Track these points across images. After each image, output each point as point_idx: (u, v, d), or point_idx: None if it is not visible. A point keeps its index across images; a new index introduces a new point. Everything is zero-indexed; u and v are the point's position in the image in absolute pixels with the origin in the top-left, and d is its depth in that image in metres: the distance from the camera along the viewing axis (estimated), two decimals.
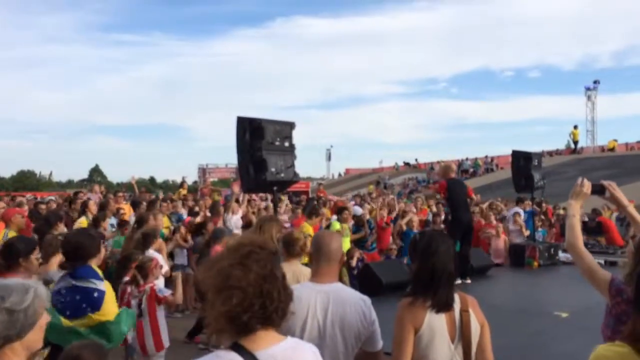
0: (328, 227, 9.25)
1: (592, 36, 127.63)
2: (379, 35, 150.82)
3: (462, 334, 2.65)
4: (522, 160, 11.36)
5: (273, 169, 6.32)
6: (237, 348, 1.64)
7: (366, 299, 2.94)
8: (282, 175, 6.46)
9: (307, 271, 4.38)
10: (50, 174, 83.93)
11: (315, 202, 10.76)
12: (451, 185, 8.68)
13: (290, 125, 6.72)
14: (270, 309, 1.65)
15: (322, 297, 2.82)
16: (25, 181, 73.00)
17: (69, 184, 67.99)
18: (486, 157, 43.62)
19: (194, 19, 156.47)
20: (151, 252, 5.62)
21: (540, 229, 12.61)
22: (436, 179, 10.05)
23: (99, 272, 3.42)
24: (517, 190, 11.88)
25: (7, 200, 10.67)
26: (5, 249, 3.46)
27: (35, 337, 1.86)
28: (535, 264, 10.59)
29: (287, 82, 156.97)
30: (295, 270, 4.29)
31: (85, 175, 77.08)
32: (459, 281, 8.02)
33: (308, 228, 8.24)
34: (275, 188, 6.64)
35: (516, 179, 11.50)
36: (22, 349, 1.81)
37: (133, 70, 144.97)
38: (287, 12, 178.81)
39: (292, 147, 6.69)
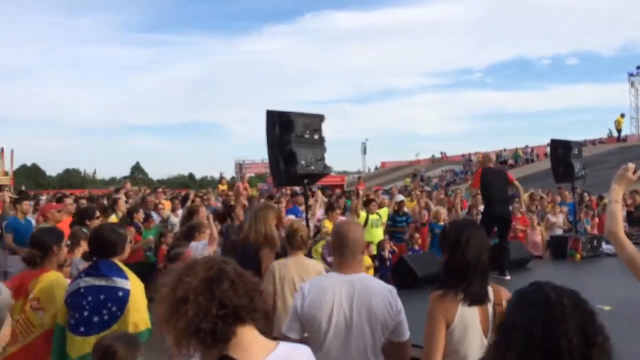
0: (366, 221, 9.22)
1: (634, 20, 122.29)
2: (411, 26, 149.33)
3: (495, 328, 2.53)
4: (560, 149, 10.99)
5: (303, 162, 6.30)
6: None
7: (392, 289, 2.90)
8: (313, 168, 6.43)
9: (313, 264, 4.34)
10: (94, 172, 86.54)
11: (334, 197, 10.72)
12: (486, 175, 8.28)
13: (320, 118, 6.68)
14: (231, 305, 1.55)
15: (347, 287, 2.80)
16: (70, 179, 75.45)
17: (112, 181, 69.79)
18: (526, 147, 42.61)
19: (226, 17, 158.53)
20: (194, 245, 5.66)
21: (584, 219, 12.22)
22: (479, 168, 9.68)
23: (124, 268, 3.36)
24: (557, 180, 11.52)
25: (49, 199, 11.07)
26: (36, 240, 3.54)
27: (6, 333, 1.93)
28: (578, 256, 10.26)
29: (319, 77, 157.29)
30: (299, 263, 4.26)
31: (127, 172, 79.08)
32: (499, 277, 7.82)
33: (327, 224, 8.21)
34: (305, 181, 6.61)
35: (555, 168, 11.13)
36: None
37: (169, 69, 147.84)
38: (316, 7, 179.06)
39: (321, 140, 6.64)
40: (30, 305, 3.32)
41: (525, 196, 13.25)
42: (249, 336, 1.59)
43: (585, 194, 13.52)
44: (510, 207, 9.02)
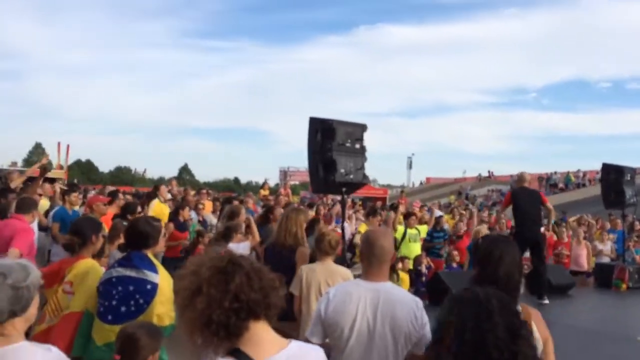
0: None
1: None
2: (465, 43, 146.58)
3: None
4: (612, 174, 10.59)
5: (342, 170, 6.29)
6: (237, 355, 1.55)
7: (418, 301, 2.86)
8: (352, 176, 6.42)
9: (341, 270, 4.32)
10: (144, 170, 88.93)
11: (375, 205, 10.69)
12: (517, 194, 8.06)
13: (362, 127, 6.67)
14: (245, 299, 1.55)
15: (372, 295, 2.78)
16: (121, 176, 77.94)
17: (160, 180, 71.74)
18: (578, 171, 41.22)
19: (280, 26, 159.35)
20: (234, 246, 5.72)
21: (632, 248, 11.73)
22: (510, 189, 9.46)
23: (155, 262, 3.42)
24: (606, 206, 11.12)
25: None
26: (76, 229, 3.67)
27: (34, 311, 1.97)
28: (624, 286, 9.84)
29: (369, 89, 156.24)
30: (327, 269, 4.25)
31: (175, 173, 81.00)
32: (538, 301, 7.60)
33: (363, 227, 8.21)
34: (344, 189, 6.61)
35: (605, 193, 10.73)
36: (23, 322, 1.92)
37: (221, 75, 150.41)
38: (371, 20, 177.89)
39: (362, 150, 6.63)
40: (62, 288, 3.44)
41: (572, 220, 12.87)
42: (261, 332, 1.60)
43: (637, 223, 12.98)
44: (542, 229, 8.70)
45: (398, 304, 2.76)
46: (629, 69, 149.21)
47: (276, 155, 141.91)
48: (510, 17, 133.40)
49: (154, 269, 3.32)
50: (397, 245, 9.13)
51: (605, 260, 11.13)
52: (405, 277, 8.65)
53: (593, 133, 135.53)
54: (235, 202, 9.41)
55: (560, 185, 39.55)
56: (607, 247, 11.38)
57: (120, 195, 7.95)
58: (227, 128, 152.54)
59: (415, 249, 9.17)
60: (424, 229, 9.95)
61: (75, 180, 23.48)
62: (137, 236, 3.39)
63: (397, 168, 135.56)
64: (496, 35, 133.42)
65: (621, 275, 9.99)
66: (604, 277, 10.22)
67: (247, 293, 1.56)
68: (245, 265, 1.62)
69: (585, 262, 10.75)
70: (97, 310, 3.26)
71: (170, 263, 6.02)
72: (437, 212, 11.20)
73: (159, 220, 3.79)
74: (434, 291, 7.71)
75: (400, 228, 9.13)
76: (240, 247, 5.69)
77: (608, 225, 12.79)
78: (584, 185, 38.27)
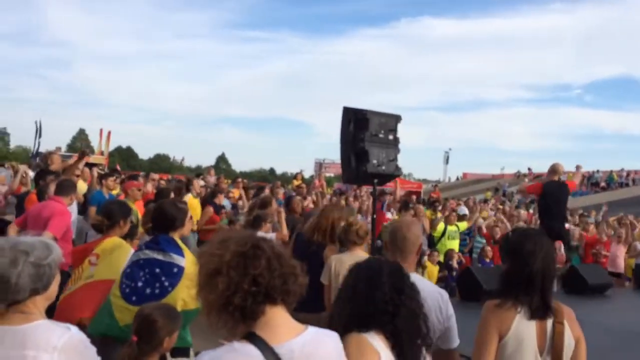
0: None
1: None
2: (508, 37, 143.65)
3: (552, 347, 2.39)
4: None
5: (375, 161, 6.23)
6: (253, 339, 1.54)
7: (443, 293, 2.82)
8: (384, 167, 6.34)
9: None
10: (182, 159, 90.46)
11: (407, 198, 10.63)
12: (549, 187, 7.71)
13: (396, 118, 6.59)
14: (264, 284, 1.55)
15: None
16: (160, 163, 79.43)
17: (198, 169, 72.76)
18: (621, 170, 39.91)
19: (320, 17, 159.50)
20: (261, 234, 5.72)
21: None
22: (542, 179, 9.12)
23: (182, 245, 3.41)
24: None
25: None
26: (106, 211, 3.75)
27: (55, 289, 2.00)
28: None
29: (408, 83, 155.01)
30: (356, 259, 4.14)
31: (212, 162, 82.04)
32: None
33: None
34: (375, 180, 6.55)
35: None
36: (44, 300, 1.95)
37: (259, 65, 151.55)
38: (413, 13, 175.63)
39: (396, 141, 6.54)
40: (89, 259, 3.52)
41: (612, 219, 12.48)
42: (278, 317, 1.59)
43: None
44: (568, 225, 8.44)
45: (422, 295, 2.73)
46: None
47: (313, 146, 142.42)
48: (554, 12, 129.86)
49: (180, 252, 3.32)
50: (435, 242, 9.05)
51: None
52: (433, 269, 8.57)
53: (638, 132, 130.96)
54: (267, 192, 9.51)
55: (602, 184, 38.38)
56: None
57: (140, 180, 8.01)
58: (265, 119, 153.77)
59: (454, 245, 9.09)
60: (463, 226, 9.84)
61: (118, 166, 24.05)
62: (163, 219, 3.40)
63: (434, 163, 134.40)
64: (540, 29, 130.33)
65: None
66: None
67: (266, 277, 1.56)
68: (267, 249, 1.62)
69: (622, 263, 10.45)
70: (122, 290, 3.27)
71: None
72: (462, 209, 11.01)
73: (185, 202, 3.81)
74: (464, 286, 7.62)
75: (441, 225, 9.05)
76: (267, 237, 5.69)
77: None
78: (627, 184, 37.07)
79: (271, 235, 5.92)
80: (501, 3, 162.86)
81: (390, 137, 6.47)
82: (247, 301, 1.53)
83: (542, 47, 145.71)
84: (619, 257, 10.48)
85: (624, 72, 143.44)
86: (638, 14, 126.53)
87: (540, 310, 2.42)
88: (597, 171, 40.58)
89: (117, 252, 3.51)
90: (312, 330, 1.65)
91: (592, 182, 38.16)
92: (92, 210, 7.31)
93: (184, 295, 3.19)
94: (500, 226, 10.00)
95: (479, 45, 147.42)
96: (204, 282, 1.59)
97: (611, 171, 40.14)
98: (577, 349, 2.44)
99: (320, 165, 42.72)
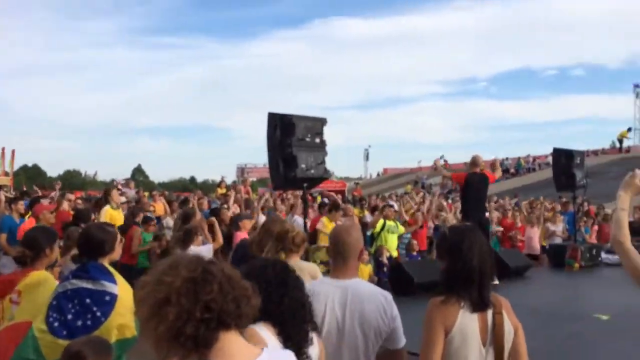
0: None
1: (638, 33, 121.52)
2: (418, 35, 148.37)
3: (494, 338, 2.48)
4: (563, 158, 10.98)
5: (303, 166, 6.26)
6: None
7: (387, 295, 2.84)
8: (313, 171, 6.39)
9: (309, 267, 4.20)
10: (95, 173, 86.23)
11: (336, 198, 10.75)
12: (471, 179, 8.28)
13: (322, 122, 6.66)
14: (217, 309, 1.48)
15: (340, 292, 2.75)
16: (71, 180, 75.33)
17: (112, 183, 69.92)
18: (528, 156, 42.57)
19: (234, 21, 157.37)
20: (197, 250, 5.49)
21: (583, 228, 12.20)
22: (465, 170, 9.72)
23: (113, 271, 3.21)
24: (558, 189, 11.52)
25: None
26: (29, 240, 3.44)
27: None
28: (576, 265, 10.23)
29: (325, 83, 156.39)
30: (294, 267, 4.15)
31: (128, 174, 78.95)
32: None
33: (327, 223, 8.21)
34: (305, 185, 6.58)
35: (557, 177, 11.13)
36: None
37: (174, 72, 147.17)
38: (325, 14, 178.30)
39: (323, 144, 6.61)
40: (10, 297, 3.24)
41: (524, 203, 13.26)
42: (232, 342, 1.53)
43: (586, 204, 13.50)
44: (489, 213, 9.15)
45: (366, 299, 2.73)
46: (573, 56, 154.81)
47: (233, 152, 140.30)
48: (460, 9, 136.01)
49: (112, 279, 3.13)
50: (374, 237, 9.16)
51: (558, 241, 11.55)
52: (364, 268, 8.68)
53: (542, 120, 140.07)
54: (191, 204, 9.25)
55: (512, 170, 40.72)
56: (559, 228, 11.80)
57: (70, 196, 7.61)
58: (182, 126, 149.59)
59: (393, 240, 9.21)
60: (402, 229, 10.04)
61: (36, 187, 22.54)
62: (91, 244, 3.18)
63: (355, 161, 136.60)
64: (447, 26, 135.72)
65: (573, 255, 10.37)
66: (557, 257, 10.61)
67: (219, 302, 1.48)
68: (218, 273, 1.54)
69: (537, 244, 11.13)
70: (49, 325, 3.00)
71: (123, 271, 5.82)
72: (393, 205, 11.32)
73: (113, 225, 3.59)
74: (396, 281, 7.79)
75: (380, 221, 9.18)
76: (203, 250, 5.52)
77: (559, 207, 13.24)
78: (534, 169, 39.51)
79: (207, 247, 5.77)
80: (409, 3, 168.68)
81: (317, 140, 6.53)
82: (199, 330, 1.45)
83: (450, 44, 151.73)
84: (534, 239, 11.15)
85: (524, 63, 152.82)
86: (535, 9, 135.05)
87: (481, 303, 2.50)
88: (507, 159, 43.02)
89: (42, 289, 3.23)
90: (267, 354, 1.60)
91: (502, 169, 40.41)
92: (2, 237, 6.83)
93: (119, 323, 3.01)
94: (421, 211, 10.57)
95: (391, 43, 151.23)
96: (151, 314, 1.47)
97: (519, 158, 42.69)
98: (517, 336, 2.53)
99: (242, 171, 42.36)
